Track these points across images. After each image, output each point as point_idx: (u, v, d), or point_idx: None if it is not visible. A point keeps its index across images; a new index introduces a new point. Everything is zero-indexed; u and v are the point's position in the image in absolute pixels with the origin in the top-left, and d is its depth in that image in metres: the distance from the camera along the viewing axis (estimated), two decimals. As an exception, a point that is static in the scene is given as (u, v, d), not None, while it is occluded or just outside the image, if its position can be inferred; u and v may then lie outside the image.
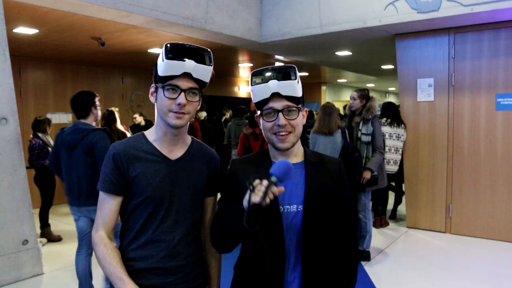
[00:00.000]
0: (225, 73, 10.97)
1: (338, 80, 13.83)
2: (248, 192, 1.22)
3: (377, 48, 6.67)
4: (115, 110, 5.25)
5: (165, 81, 1.36)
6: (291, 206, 1.43)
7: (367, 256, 4.33)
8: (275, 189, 1.22)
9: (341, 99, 14.78)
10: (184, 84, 1.36)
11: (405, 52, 5.48)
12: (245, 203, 1.24)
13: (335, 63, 9.06)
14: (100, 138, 3.13)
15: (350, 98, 4.39)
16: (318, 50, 6.98)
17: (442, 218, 5.32)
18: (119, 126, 5.10)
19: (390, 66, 9.42)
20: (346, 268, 1.53)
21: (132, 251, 1.44)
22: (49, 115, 6.96)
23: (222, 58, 7.69)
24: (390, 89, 18.16)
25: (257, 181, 1.22)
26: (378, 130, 4.31)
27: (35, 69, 7.29)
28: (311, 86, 13.47)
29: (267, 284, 1.40)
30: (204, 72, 1.39)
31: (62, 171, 3.27)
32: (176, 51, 1.35)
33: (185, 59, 1.34)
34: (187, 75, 1.36)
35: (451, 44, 5.12)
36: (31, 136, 5.23)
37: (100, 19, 4.57)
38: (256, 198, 1.19)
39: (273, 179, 1.22)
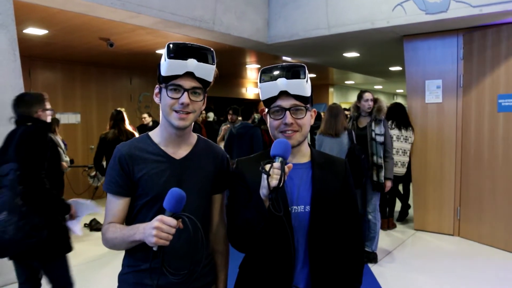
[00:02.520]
0: (232, 74, 10.98)
1: (346, 82, 13.79)
2: (265, 178, 1.21)
3: (385, 49, 6.63)
4: (122, 110, 5.25)
5: (168, 81, 1.36)
6: (299, 207, 1.42)
7: (374, 258, 4.30)
8: (286, 168, 1.22)
9: (348, 100, 14.72)
10: (187, 83, 1.36)
11: (413, 54, 5.45)
12: (263, 191, 1.23)
13: (342, 65, 9.03)
14: None
15: (368, 100, 4.26)
16: (326, 51, 6.97)
17: (450, 220, 5.27)
18: (128, 126, 5.11)
19: (398, 68, 9.37)
20: (352, 268, 1.52)
21: (138, 251, 1.44)
22: (58, 116, 7.01)
23: (230, 59, 7.69)
24: (398, 91, 18.06)
25: (268, 166, 1.22)
26: (388, 131, 4.36)
27: (45, 69, 7.35)
28: (319, 88, 13.46)
29: (279, 279, 1.40)
30: (207, 71, 1.38)
31: None
32: (178, 51, 1.34)
33: (187, 58, 1.34)
34: (189, 75, 1.35)
35: (460, 45, 5.08)
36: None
37: (109, 20, 4.61)
38: (274, 181, 1.19)
39: (280, 159, 1.23)
